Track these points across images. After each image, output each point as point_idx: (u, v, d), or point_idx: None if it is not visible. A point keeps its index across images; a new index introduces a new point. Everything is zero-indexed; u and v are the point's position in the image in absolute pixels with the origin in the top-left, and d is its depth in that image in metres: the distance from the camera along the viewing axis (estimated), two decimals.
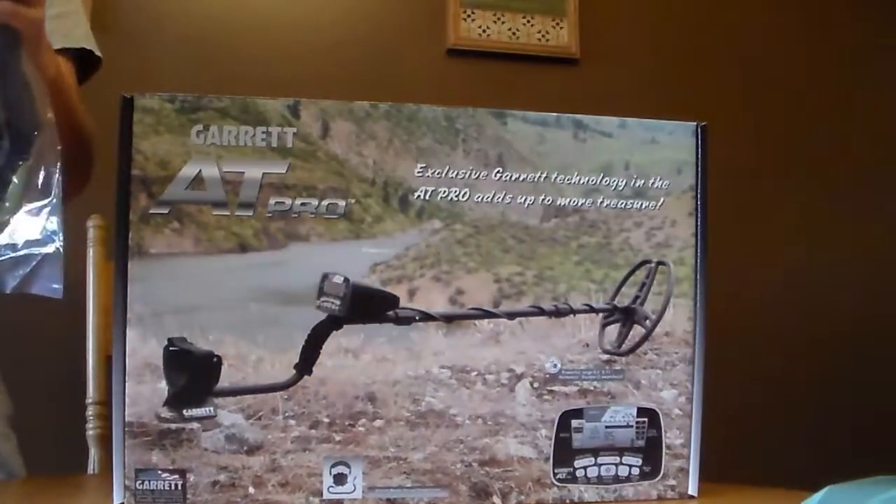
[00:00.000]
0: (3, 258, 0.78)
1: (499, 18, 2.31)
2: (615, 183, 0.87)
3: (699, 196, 0.89)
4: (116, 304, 0.79)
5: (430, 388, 0.83)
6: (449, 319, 0.83)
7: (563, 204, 0.86)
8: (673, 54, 2.45)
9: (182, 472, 0.79)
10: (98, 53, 1.31)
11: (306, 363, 0.80)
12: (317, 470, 0.81)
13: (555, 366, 0.85)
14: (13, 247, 0.79)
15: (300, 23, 2.22)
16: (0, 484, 1.15)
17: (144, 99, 0.80)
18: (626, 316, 0.87)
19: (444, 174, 0.84)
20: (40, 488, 1.05)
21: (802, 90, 2.56)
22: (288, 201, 0.81)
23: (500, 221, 0.85)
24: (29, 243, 0.80)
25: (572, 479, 0.86)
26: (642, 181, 0.88)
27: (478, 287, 0.84)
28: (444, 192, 0.84)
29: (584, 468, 0.86)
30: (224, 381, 0.80)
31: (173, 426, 0.79)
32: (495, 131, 0.87)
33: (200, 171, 0.79)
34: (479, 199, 0.85)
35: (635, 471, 0.87)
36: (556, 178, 0.86)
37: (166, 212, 0.79)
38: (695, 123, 0.89)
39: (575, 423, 0.86)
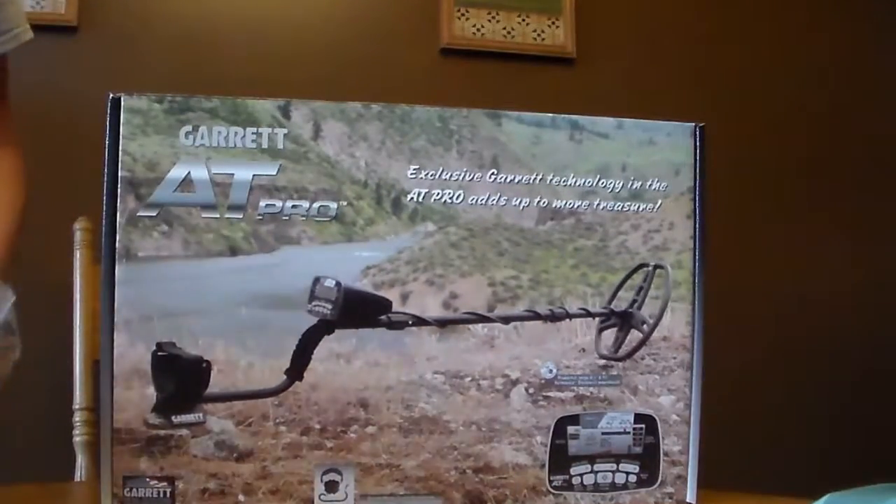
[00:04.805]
0: None
1: (493, 17, 2.30)
2: (612, 185, 0.87)
3: (697, 198, 0.88)
4: (104, 309, 0.78)
5: (424, 393, 0.82)
6: (442, 324, 0.82)
7: (558, 206, 0.85)
8: (671, 54, 2.45)
9: (171, 480, 0.78)
10: (31, 35, 1.33)
11: (297, 368, 0.79)
12: (308, 477, 0.80)
13: (550, 371, 0.84)
14: None
15: (291, 22, 2.21)
16: None
17: (132, 99, 0.78)
18: (623, 320, 0.86)
19: (437, 176, 0.83)
20: (27, 496, 1.03)
21: (802, 90, 2.55)
22: (279, 203, 0.80)
23: (495, 224, 0.84)
24: None
25: (568, 486, 0.85)
26: (639, 183, 0.87)
27: (472, 291, 0.83)
28: (438, 194, 0.83)
29: (581, 475, 0.85)
30: (213, 387, 0.79)
31: (162, 433, 0.78)
32: (490, 132, 0.86)
33: (189, 172, 0.78)
34: (474, 202, 0.84)
35: (632, 478, 0.86)
36: (551, 179, 0.85)
37: (155, 214, 0.78)
38: (693, 124, 0.89)
39: (571, 429, 0.85)
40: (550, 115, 0.87)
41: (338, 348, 0.80)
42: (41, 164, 1.90)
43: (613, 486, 0.86)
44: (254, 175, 0.79)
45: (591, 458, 0.85)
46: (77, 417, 1.43)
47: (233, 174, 0.79)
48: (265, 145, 0.80)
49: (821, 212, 2.54)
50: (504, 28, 2.30)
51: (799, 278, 2.50)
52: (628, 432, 0.86)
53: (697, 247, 0.88)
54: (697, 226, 0.88)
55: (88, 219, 1.49)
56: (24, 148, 1.27)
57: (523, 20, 2.31)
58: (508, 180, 0.85)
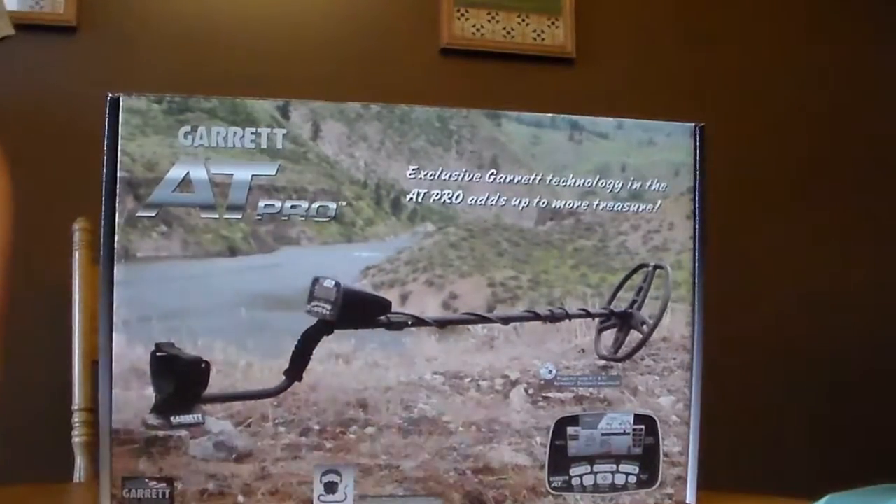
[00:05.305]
0: None
1: (493, 17, 2.30)
2: (611, 185, 0.86)
3: (697, 198, 0.88)
4: (103, 309, 0.78)
5: (423, 394, 0.81)
6: (442, 324, 0.82)
7: (558, 206, 0.85)
8: (670, 54, 2.44)
9: (170, 481, 0.78)
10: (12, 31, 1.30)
11: (296, 369, 0.79)
12: (307, 478, 0.80)
13: (550, 372, 0.84)
14: None
15: (290, 21, 2.21)
16: None
17: (131, 99, 0.78)
18: (623, 321, 0.86)
19: (437, 176, 0.83)
20: (25, 496, 1.03)
21: (802, 90, 2.55)
22: (278, 204, 0.80)
23: (495, 224, 0.84)
24: None
25: (568, 487, 0.84)
26: (639, 183, 0.87)
27: (471, 291, 0.83)
28: (437, 194, 0.83)
29: (580, 476, 0.85)
30: (212, 388, 0.78)
31: (161, 433, 0.78)
32: (489, 132, 0.85)
33: (188, 172, 0.78)
34: (473, 202, 0.83)
35: (632, 479, 0.86)
36: (551, 179, 0.85)
37: (153, 214, 0.78)
38: (693, 124, 0.88)
39: (570, 430, 0.84)
40: (550, 115, 0.86)
41: (337, 349, 0.80)
42: (40, 165, 1.90)
43: (613, 487, 0.85)
44: (253, 175, 0.79)
45: (591, 459, 0.85)
46: (76, 418, 1.43)
47: (232, 174, 0.79)
48: (264, 145, 0.80)
49: (821, 211, 2.54)
50: (504, 28, 2.30)
51: (799, 278, 2.49)
52: (628, 433, 0.86)
53: (697, 247, 0.87)
54: (697, 226, 0.88)
55: (87, 219, 1.49)
56: (10, 161, 1.21)
57: (523, 20, 2.31)
58: (508, 180, 0.84)
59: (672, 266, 0.87)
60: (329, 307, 0.79)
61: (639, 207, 0.87)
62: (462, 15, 2.28)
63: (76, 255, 1.48)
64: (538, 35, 2.32)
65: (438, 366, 0.82)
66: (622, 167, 0.87)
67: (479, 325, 0.83)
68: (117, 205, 0.78)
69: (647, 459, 0.86)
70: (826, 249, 2.53)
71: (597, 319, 0.85)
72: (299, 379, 0.79)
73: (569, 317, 0.84)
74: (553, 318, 0.84)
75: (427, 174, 0.83)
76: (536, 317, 0.84)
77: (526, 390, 0.84)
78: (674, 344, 0.87)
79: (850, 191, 2.57)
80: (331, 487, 0.80)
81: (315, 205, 0.80)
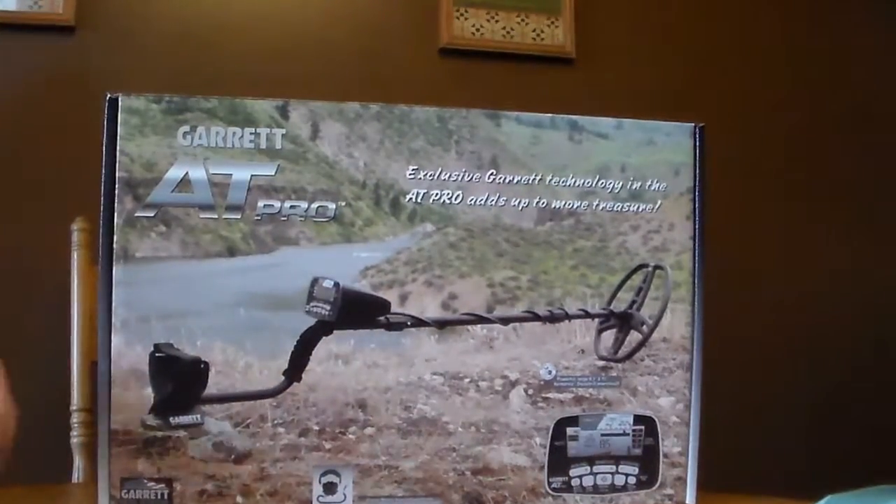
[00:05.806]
0: None
1: (492, 17, 2.29)
2: (611, 185, 0.86)
3: (697, 198, 0.88)
4: (102, 309, 0.77)
5: (422, 395, 0.81)
6: (441, 325, 0.82)
7: (558, 206, 0.85)
8: (670, 54, 2.44)
9: (168, 481, 0.78)
10: None
11: (296, 369, 0.79)
12: (306, 479, 0.80)
13: (550, 372, 0.84)
14: None
15: (290, 21, 2.21)
16: None
17: (130, 99, 0.78)
18: (623, 321, 0.85)
19: (436, 176, 0.83)
20: (24, 497, 1.03)
21: (803, 91, 2.54)
22: (277, 204, 0.80)
23: (494, 224, 0.84)
24: None
25: (567, 488, 0.84)
26: (639, 183, 0.87)
27: (471, 292, 0.83)
28: (437, 194, 0.83)
29: (580, 477, 0.84)
30: (211, 388, 0.78)
31: (159, 434, 0.77)
32: (489, 132, 0.85)
33: (187, 173, 0.78)
34: (473, 202, 0.83)
35: (632, 480, 0.86)
36: (550, 180, 0.85)
37: (152, 215, 0.78)
38: (692, 124, 0.88)
39: (570, 430, 0.84)
40: (549, 115, 0.86)
41: (336, 349, 0.80)
42: (38, 165, 1.90)
43: (613, 488, 0.85)
44: (252, 175, 0.79)
45: (591, 460, 0.85)
46: (75, 419, 1.43)
47: (231, 174, 0.79)
48: (263, 145, 0.80)
49: (821, 212, 2.53)
50: (503, 28, 2.30)
51: (799, 279, 2.49)
52: (628, 434, 0.86)
53: (697, 247, 0.87)
54: (697, 226, 0.88)
55: (86, 219, 1.49)
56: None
57: (522, 20, 2.31)
58: (507, 181, 0.84)
59: (672, 266, 0.87)
60: (328, 307, 0.79)
61: (639, 207, 0.87)
62: (461, 15, 2.28)
63: (75, 255, 1.48)
64: (538, 35, 2.32)
65: (438, 366, 0.82)
66: (622, 167, 0.87)
67: (479, 326, 0.82)
68: (116, 205, 0.78)
69: (647, 460, 0.86)
70: (826, 249, 2.53)
71: (596, 320, 0.85)
72: (298, 379, 0.79)
73: (568, 317, 0.84)
74: (552, 319, 0.84)
75: (426, 174, 0.83)
76: (536, 317, 0.83)
77: (525, 391, 0.84)
78: (674, 344, 0.87)
79: (851, 191, 2.57)
80: (330, 488, 0.80)
81: (314, 205, 0.80)
